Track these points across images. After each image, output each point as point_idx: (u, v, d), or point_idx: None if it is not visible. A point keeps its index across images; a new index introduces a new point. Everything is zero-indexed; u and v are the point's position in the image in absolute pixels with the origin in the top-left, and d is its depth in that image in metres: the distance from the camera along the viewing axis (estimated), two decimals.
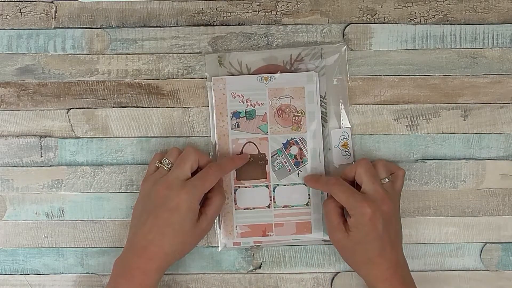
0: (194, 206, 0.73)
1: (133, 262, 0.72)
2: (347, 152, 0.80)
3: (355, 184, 0.76)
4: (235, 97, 0.80)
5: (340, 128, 0.80)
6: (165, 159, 0.76)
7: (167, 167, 0.75)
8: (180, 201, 0.72)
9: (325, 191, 0.79)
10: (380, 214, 0.72)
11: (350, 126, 0.81)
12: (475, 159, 0.81)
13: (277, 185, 0.80)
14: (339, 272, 0.81)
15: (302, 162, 0.80)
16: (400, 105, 0.81)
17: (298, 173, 0.80)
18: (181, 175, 0.73)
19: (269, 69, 0.80)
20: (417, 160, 0.81)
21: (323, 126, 0.80)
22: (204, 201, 0.75)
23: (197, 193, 0.73)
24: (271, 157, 0.80)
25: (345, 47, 0.81)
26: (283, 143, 0.80)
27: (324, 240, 0.80)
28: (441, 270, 0.81)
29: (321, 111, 0.80)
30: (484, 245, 0.81)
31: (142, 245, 0.72)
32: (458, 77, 0.81)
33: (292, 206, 0.80)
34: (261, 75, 0.80)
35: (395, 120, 0.81)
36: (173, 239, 0.72)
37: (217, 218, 0.80)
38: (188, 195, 0.72)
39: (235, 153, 0.80)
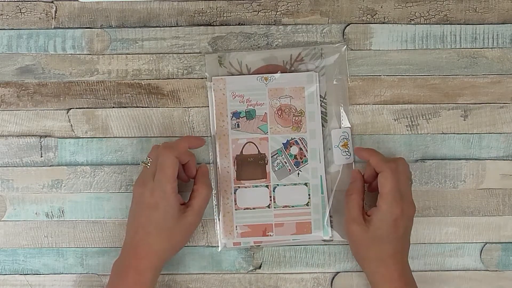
0: (171, 202, 0.72)
1: (127, 262, 0.73)
2: (347, 152, 0.80)
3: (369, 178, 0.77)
4: (235, 97, 0.80)
5: (340, 128, 0.80)
6: (146, 158, 0.75)
7: (145, 164, 0.75)
8: (156, 199, 0.72)
9: (374, 166, 0.75)
10: (405, 218, 0.73)
11: (350, 126, 0.81)
12: (475, 159, 0.81)
13: (277, 185, 0.80)
14: (339, 272, 0.81)
15: (302, 162, 0.80)
16: (400, 105, 0.81)
17: (298, 173, 0.80)
18: (154, 172, 0.73)
19: (269, 69, 0.80)
20: (417, 160, 0.81)
21: (323, 126, 0.80)
22: (190, 194, 0.75)
23: (167, 186, 0.71)
24: (271, 157, 0.80)
25: (345, 47, 0.81)
26: (283, 143, 0.80)
27: (324, 240, 0.80)
28: (441, 270, 0.81)
29: (321, 111, 0.80)
30: (484, 245, 0.81)
31: (133, 245, 0.73)
32: (458, 77, 0.81)
33: (292, 206, 0.80)
34: (261, 75, 0.80)
35: (395, 120, 0.81)
36: (159, 237, 0.72)
37: (217, 218, 0.80)
38: (160, 192, 0.72)
39: (235, 154, 0.80)
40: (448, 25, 0.81)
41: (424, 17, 0.82)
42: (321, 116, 0.80)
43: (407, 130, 0.81)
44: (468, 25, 0.81)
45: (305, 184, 0.80)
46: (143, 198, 0.72)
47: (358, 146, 0.79)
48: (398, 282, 0.72)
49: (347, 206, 0.75)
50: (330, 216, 0.80)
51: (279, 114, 0.80)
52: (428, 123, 0.81)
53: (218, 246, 0.80)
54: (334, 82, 0.80)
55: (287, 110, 0.80)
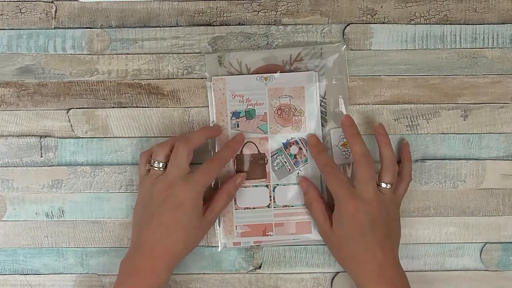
0: (198, 202, 0.73)
1: (141, 262, 0.72)
2: (347, 152, 0.80)
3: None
4: (235, 97, 0.80)
5: (340, 128, 0.80)
6: (153, 160, 0.75)
7: (159, 167, 0.74)
8: (185, 198, 0.72)
9: (320, 169, 0.78)
10: (364, 213, 0.72)
11: None
12: (475, 159, 0.81)
13: (277, 185, 0.80)
14: (339, 272, 0.81)
15: (302, 161, 0.80)
16: (400, 105, 0.81)
17: (298, 173, 0.80)
18: (180, 173, 0.73)
19: (268, 69, 0.80)
20: (417, 160, 0.81)
21: (322, 125, 0.80)
22: (214, 196, 0.76)
23: (200, 189, 0.73)
24: (271, 156, 0.80)
25: (345, 47, 0.81)
26: (283, 143, 0.80)
27: None
28: (441, 270, 0.81)
29: (321, 111, 0.80)
30: (484, 245, 0.81)
31: (149, 245, 0.72)
32: (458, 77, 0.81)
33: (292, 206, 0.80)
34: (261, 75, 0.80)
35: (395, 120, 0.81)
36: (181, 236, 0.73)
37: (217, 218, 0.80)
38: (191, 192, 0.72)
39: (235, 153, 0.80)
40: (448, 25, 0.81)
41: (424, 17, 0.82)
42: (321, 116, 0.80)
43: (407, 130, 0.81)
44: (468, 25, 0.81)
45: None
46: (171, 199, 0.72)
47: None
48: (377, 282, 0.71)
49: (313, 216, 0.77)
50: None
51: (279, 113, 0.80)
52: (428, 123, 0.81)
53: (218, 246, 0.80)
54: (334, 82, 0.80)
55: (287, 109, 0.80)
